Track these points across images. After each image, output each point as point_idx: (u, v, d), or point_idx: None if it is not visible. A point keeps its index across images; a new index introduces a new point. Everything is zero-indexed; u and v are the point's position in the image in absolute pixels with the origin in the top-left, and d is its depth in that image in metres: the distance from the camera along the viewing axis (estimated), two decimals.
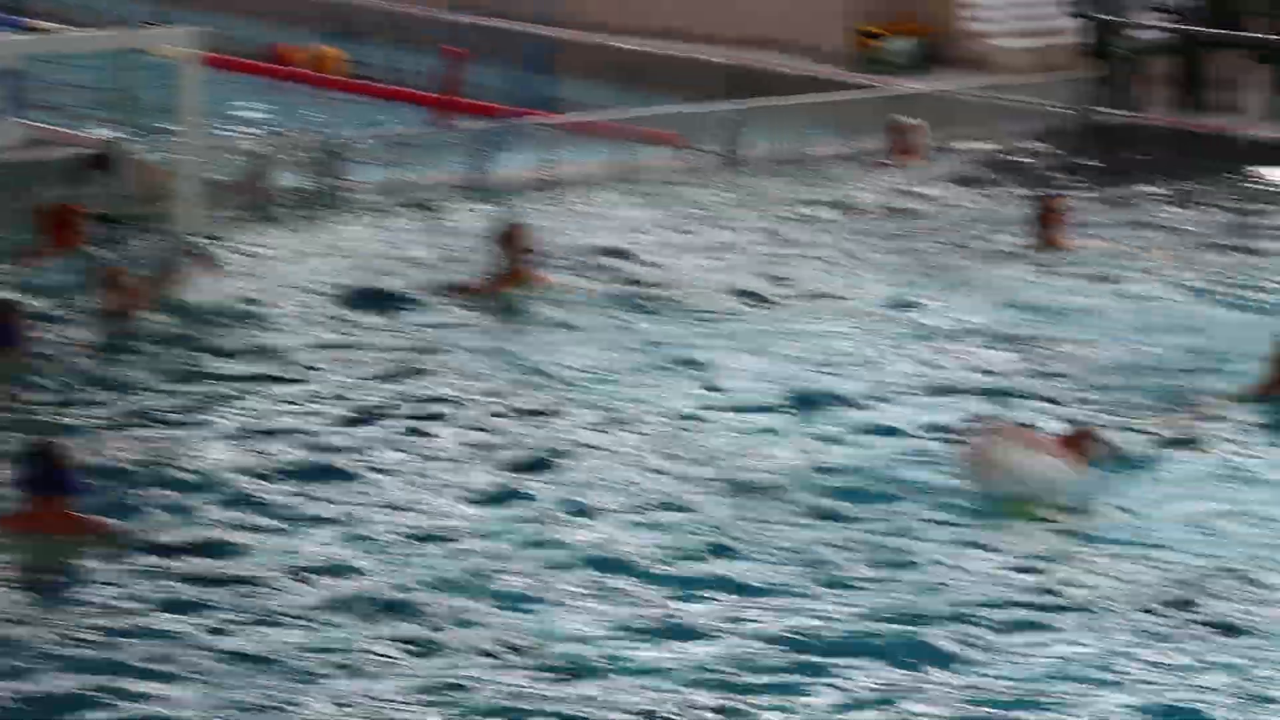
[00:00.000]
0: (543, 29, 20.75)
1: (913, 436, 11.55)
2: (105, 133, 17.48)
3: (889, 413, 12.02)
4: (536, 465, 11.17)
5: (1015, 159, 19.26)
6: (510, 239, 14.70)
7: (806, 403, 12.17)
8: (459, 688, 8.49)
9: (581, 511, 10.46)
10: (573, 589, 9.49)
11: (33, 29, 18.73)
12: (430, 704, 8.37)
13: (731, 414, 12.02)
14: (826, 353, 13.32)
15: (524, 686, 8.49)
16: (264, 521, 10.30)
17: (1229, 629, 9.06)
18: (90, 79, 18.42)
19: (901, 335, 13.79)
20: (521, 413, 12.07)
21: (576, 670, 8.64)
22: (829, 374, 12.85)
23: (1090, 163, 19.22)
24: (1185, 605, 9.24)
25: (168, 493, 10.61)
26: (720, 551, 9.96)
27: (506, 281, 14.55)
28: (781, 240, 16.40)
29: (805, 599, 9.38)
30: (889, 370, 12.95)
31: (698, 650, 8.84)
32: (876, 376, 12.79)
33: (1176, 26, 21.04)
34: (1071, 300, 14.54)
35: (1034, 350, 13.34)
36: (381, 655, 8.78)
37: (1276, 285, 14.93)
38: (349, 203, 17.32)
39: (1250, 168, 18.88)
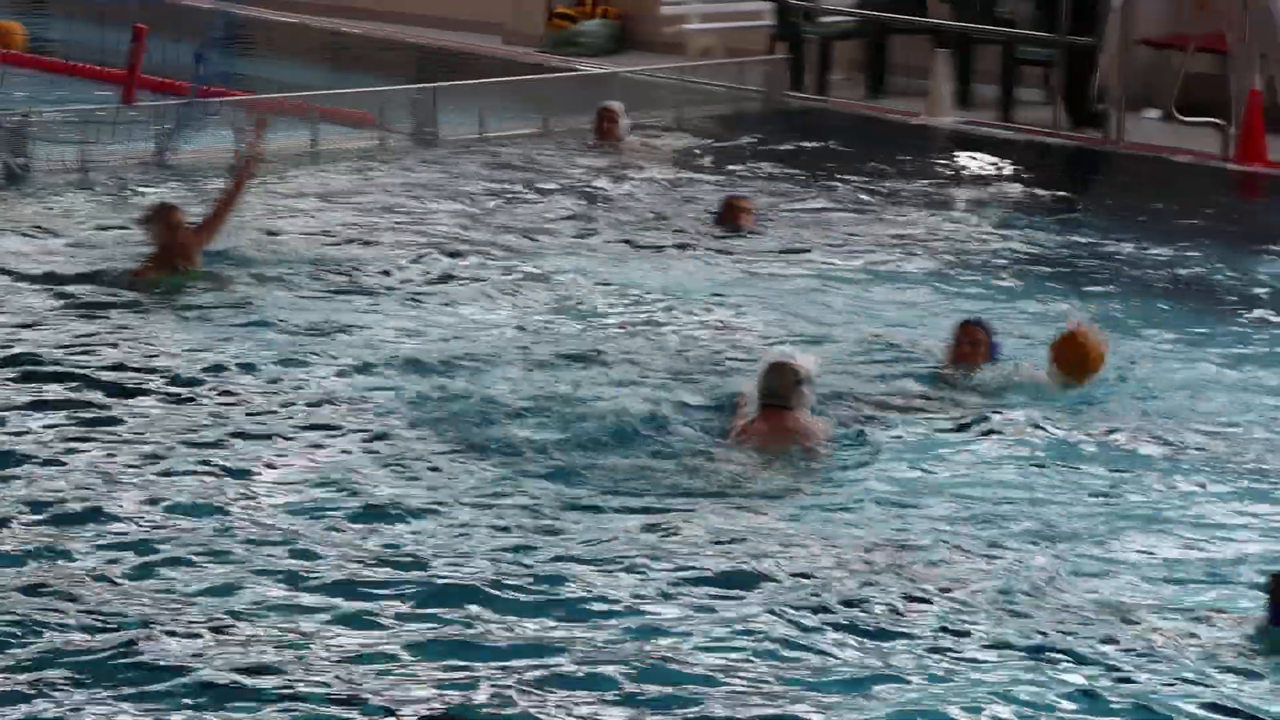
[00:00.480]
0: (236, 7, 20.36)
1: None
2: None
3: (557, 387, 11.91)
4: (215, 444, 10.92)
5: (705, 141, 19.35)
6: (162, 220, 14.17)
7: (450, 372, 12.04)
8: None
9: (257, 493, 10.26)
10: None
11: None
12: None
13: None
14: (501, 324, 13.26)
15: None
16: None
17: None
18: None
19: (592, 309, 13.74)
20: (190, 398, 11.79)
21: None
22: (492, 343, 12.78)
23: (777, 146, 19.35)
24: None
25: None
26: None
27: (161, 264, 14.06)
28: (470, 219, 16.27)
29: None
30: (567, 343, 12.87)
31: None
32: (550, 349, 12.68)
33: (862, 12, 21.27)
34: (750, 282, 14.56)
35: (711, 330, 13.31)
36: None
37: (942, 261, 15.10)
38: (32, 181, 16.93)
39: (931, 151, 19.16)
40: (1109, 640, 8.59)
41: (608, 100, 19.19)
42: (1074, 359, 11.79)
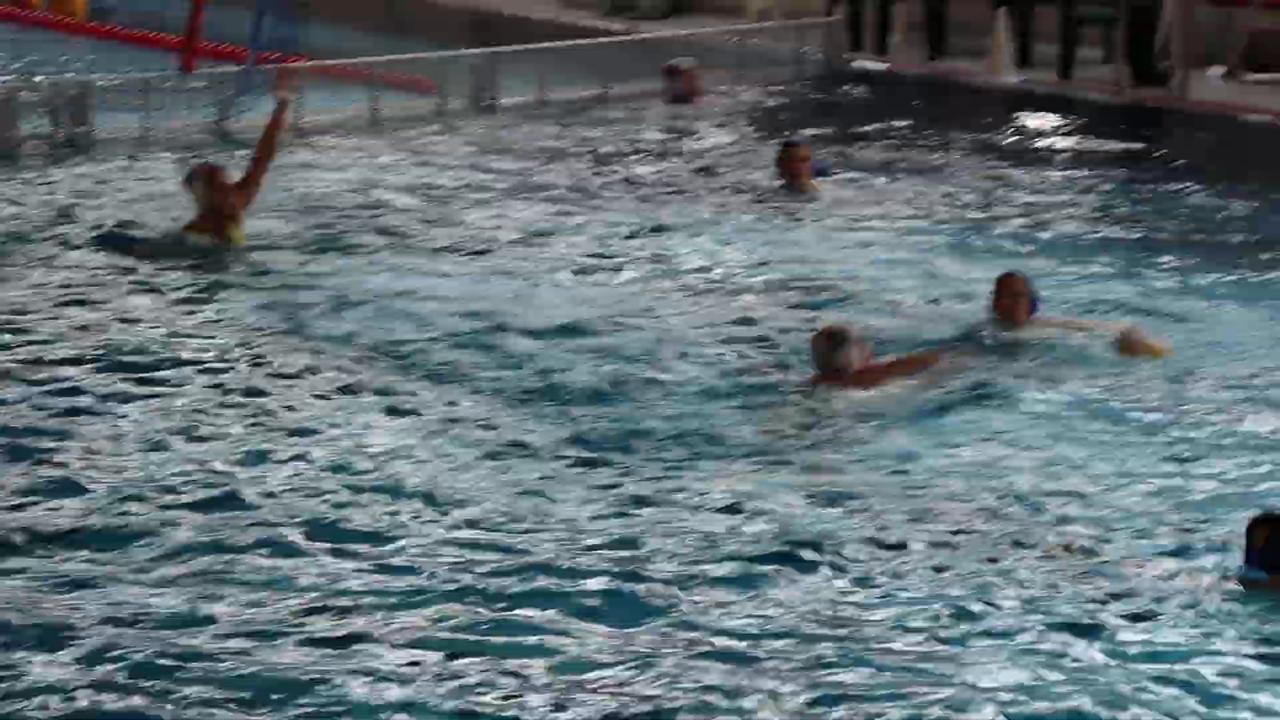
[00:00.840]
0: None
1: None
2: None
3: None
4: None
5: (767, 103, 19.31)
6: (207, 179, 14.07)
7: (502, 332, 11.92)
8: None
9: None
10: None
11: None
12: None
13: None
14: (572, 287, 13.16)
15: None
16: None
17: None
18: None
19: (654, 273, 13.63)
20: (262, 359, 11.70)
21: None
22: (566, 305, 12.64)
23: (838, 107, 19.30)
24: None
25: None
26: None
27: (207, 223, 13.96)
28: (533, 184, 16.22)
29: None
30: (635, 305, 12.74)
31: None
32: (618, 311, 12.55)
33: None
34: (815, 240, 14.45)
35: (780, 290, 13.20)
36: None
37: (1009, 223, 14.95)
38: (95, 147, 16.93)
39: (992, 111, 19.06)
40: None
41: (681, 59, 19.20)
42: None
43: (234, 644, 8.03)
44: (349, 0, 22.66)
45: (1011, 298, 11.91)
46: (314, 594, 8.46)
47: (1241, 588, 8.53)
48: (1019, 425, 10.56)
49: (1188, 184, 16.38)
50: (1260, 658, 8.02)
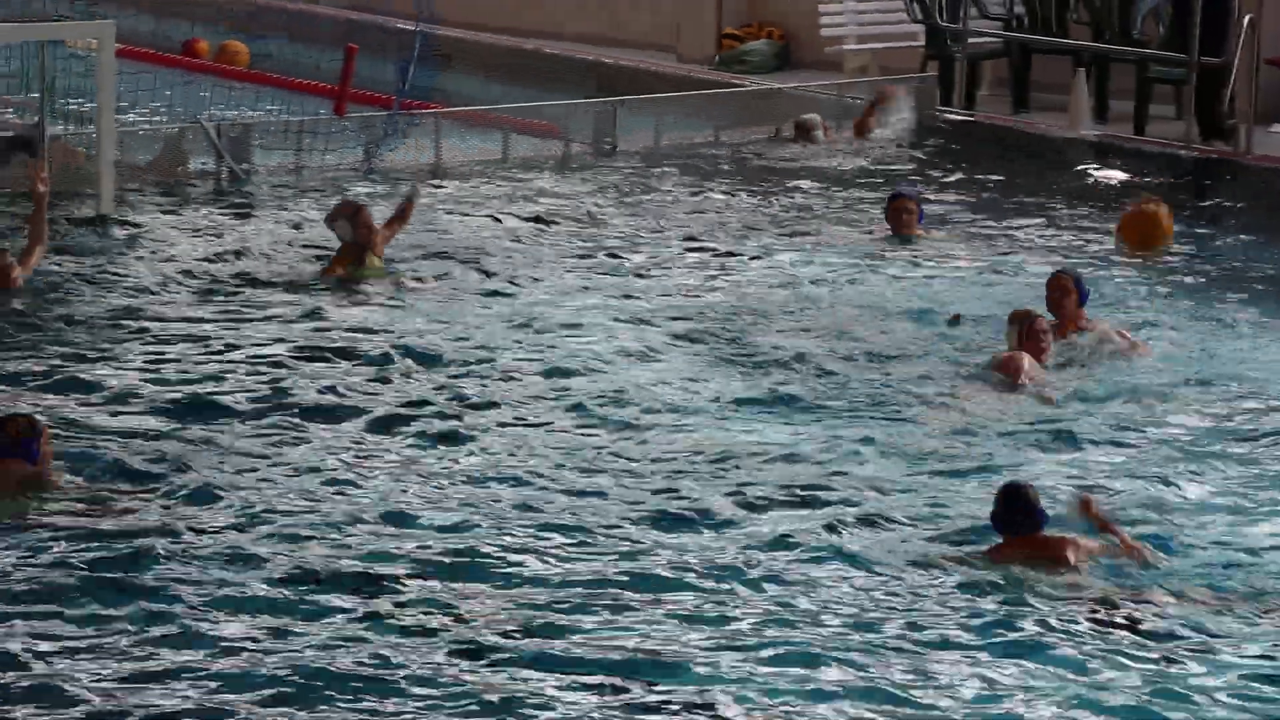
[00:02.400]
0: (433, 27, 21.10)
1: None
2: (25, 117, 17.78)
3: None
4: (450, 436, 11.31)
5: (863, 151, 19.83)
6: (351, 217, 14.67)
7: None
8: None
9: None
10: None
11: None
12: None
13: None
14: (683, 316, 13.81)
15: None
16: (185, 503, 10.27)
17: None
18: (11, 68, 18.66)
19: (782, 299, 14.26)
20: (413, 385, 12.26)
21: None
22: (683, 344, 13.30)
23: (930, 156, 19.82)
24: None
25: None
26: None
27: (348, 257, 14.57)
28: (649, 224, 16.80)
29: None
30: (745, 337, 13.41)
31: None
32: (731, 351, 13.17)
33: (1007, 34, 21.76)
34: (918, 281, 14.91)
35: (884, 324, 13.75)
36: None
37: (1083, 265, 15.30)
38: (252, 185, 17.61)
39: (1071, 162, 19.59)
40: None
41: (806, 114, 19.90)
42: (1142, 229, 12.03)
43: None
44: (484, 52, 23.38)
45: (1061, 292, 12.83)
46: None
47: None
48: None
49: (1249, 234, 16.80)
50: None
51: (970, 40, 21.50)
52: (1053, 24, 21.50)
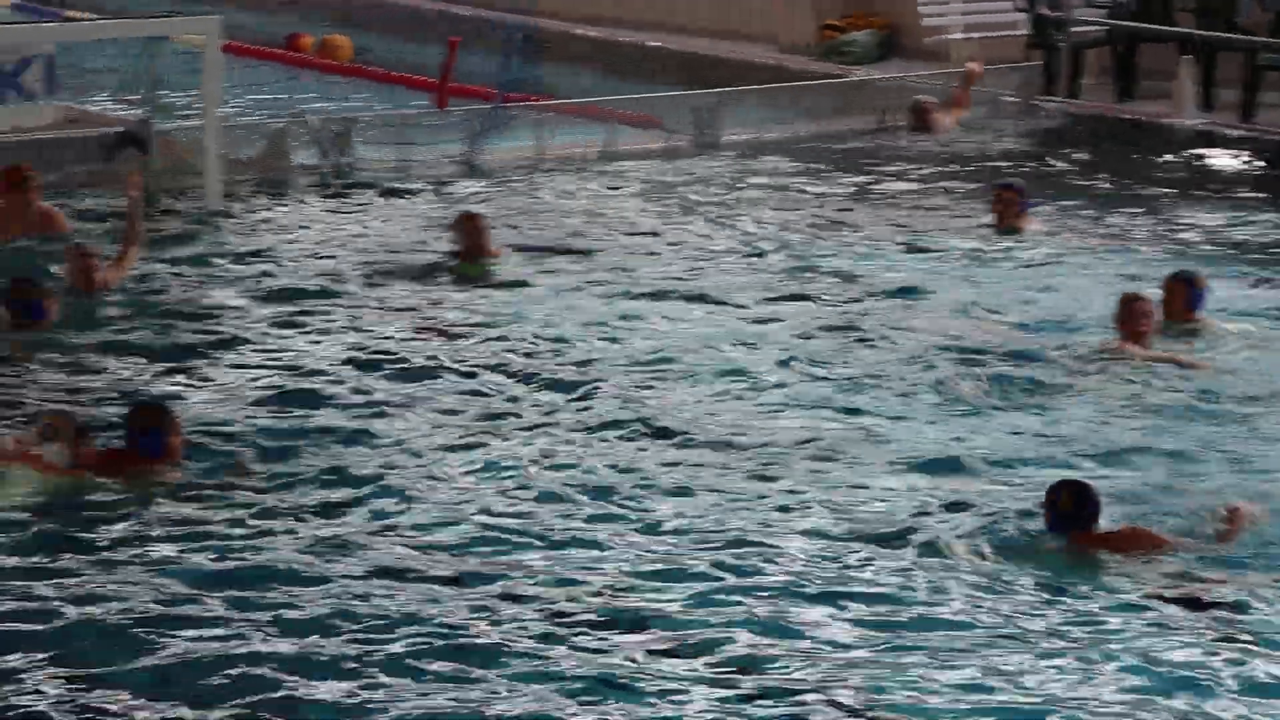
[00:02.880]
0: (533, 21, 21.13)
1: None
2: (135, 113, 17.88)
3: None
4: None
5: (968, 142, 19.69)
6: (469, 225, 14.81)
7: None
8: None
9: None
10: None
11: (67, 17, 19.03)
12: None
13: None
14: (790, 314, 13.71)
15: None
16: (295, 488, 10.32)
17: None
18: (121, 63, 18.78)
19: (886, 292, 14.17)
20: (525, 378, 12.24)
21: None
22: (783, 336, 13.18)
23: (1034, 146, 19.66)
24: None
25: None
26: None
27: (466, 261, 14.65)
28: (752, 215, 16.75)
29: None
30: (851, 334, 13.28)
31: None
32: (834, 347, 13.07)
33: (1112, 22, 21.52)
34: (1024, 275, 14.77)
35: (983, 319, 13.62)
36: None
37: (1188, 254, 15.20)
38: (356, 179, 17.64)
39: (1177, 151, 19.38)
40: None
41: (920, 96, 19.81)
42: None
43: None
44: (584, 44, 23.36)
45: (1167, 294, 12.86)
46: None
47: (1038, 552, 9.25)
48: None
49: None
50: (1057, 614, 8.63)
51: (1074, 29, 21.27)
52: (1158, 11, 21.24)
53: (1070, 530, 9.47)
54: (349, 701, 8.04)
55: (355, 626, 8.63)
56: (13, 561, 9.26)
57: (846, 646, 8.55)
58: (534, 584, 9.08)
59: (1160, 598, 8.94)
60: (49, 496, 9.99)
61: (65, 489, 10.03)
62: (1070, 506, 9.47)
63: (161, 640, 8.47)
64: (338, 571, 9.19)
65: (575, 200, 17.16)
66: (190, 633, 8.52)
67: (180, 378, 12.10)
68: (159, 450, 10.15)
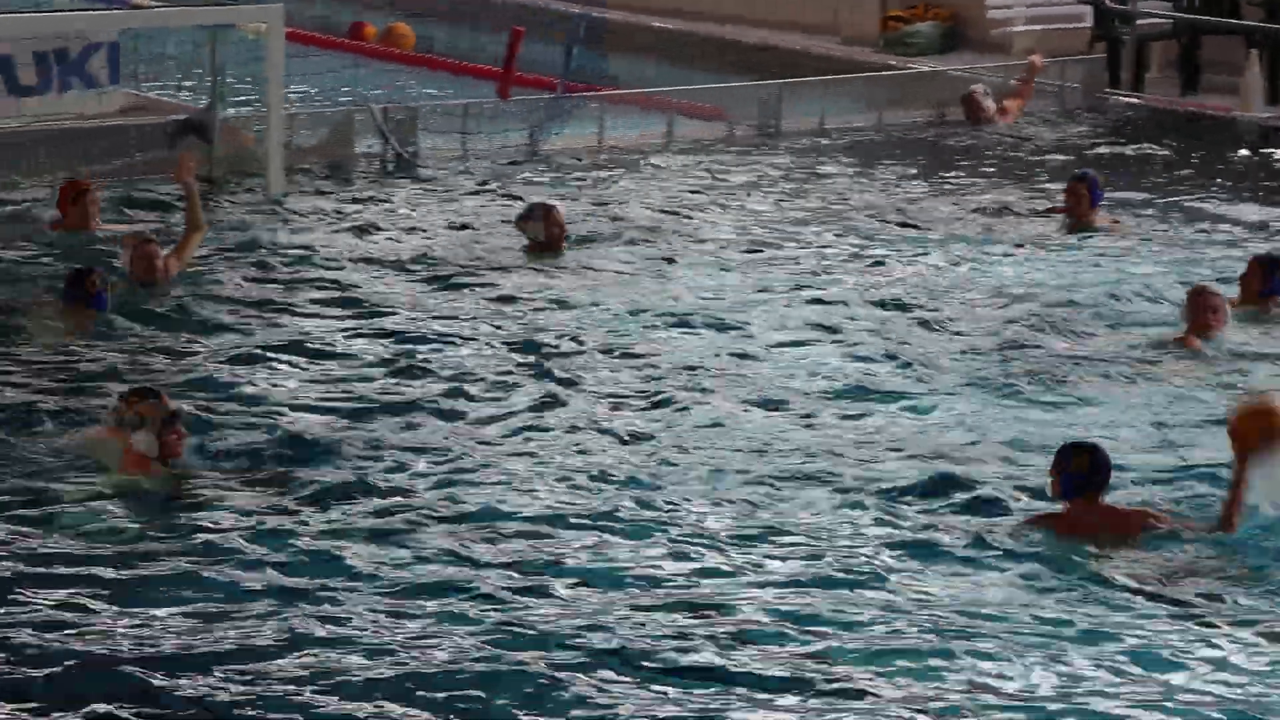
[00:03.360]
0: (592, 9, 21.07)
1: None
2: (198, 101, 17.88)
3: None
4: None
5: (1032, 134, 19.56)
6: (544, 218, 14.80)
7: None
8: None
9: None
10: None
11: (133, 5, 19.05)
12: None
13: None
14: (848, 302, 13.64)
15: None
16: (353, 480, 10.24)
17: None
18: (184, 51, 18.81)
19: (952, 285, 14.09)
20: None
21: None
22: (845, 325, 13.13)
23: (1099, 139, 19.50)
24: None
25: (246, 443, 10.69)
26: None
27: (538, 251, 14.70)
28: (820, 208, 16.65)
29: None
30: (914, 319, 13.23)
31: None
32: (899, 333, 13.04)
33: (1177, 14, 21.33)
34: (1092, 268, 14.65)
35: (1047, 313, 13.48)
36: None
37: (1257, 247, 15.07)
38: (418, 167, 17.63)
39: (1244, 144, 19.19)
40: None
41: (972, 85, 19.68)
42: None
43: None
44: (646, 34, 23.27)
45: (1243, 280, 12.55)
46: None
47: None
48: None
49: None
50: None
51: (1139, 21, 21.08)
52: (1224, 4, 21.02)
53: (1081, 494, 9.38)
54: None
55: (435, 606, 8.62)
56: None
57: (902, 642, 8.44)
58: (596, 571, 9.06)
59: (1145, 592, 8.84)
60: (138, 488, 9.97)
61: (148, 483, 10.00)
62: (1085, 470, 9.39)
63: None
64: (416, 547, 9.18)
65: (637, 190, 17.10)
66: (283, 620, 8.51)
67: (242, 367, 12.06)
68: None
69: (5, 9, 17.62)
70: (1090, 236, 15.52)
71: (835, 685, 7.96)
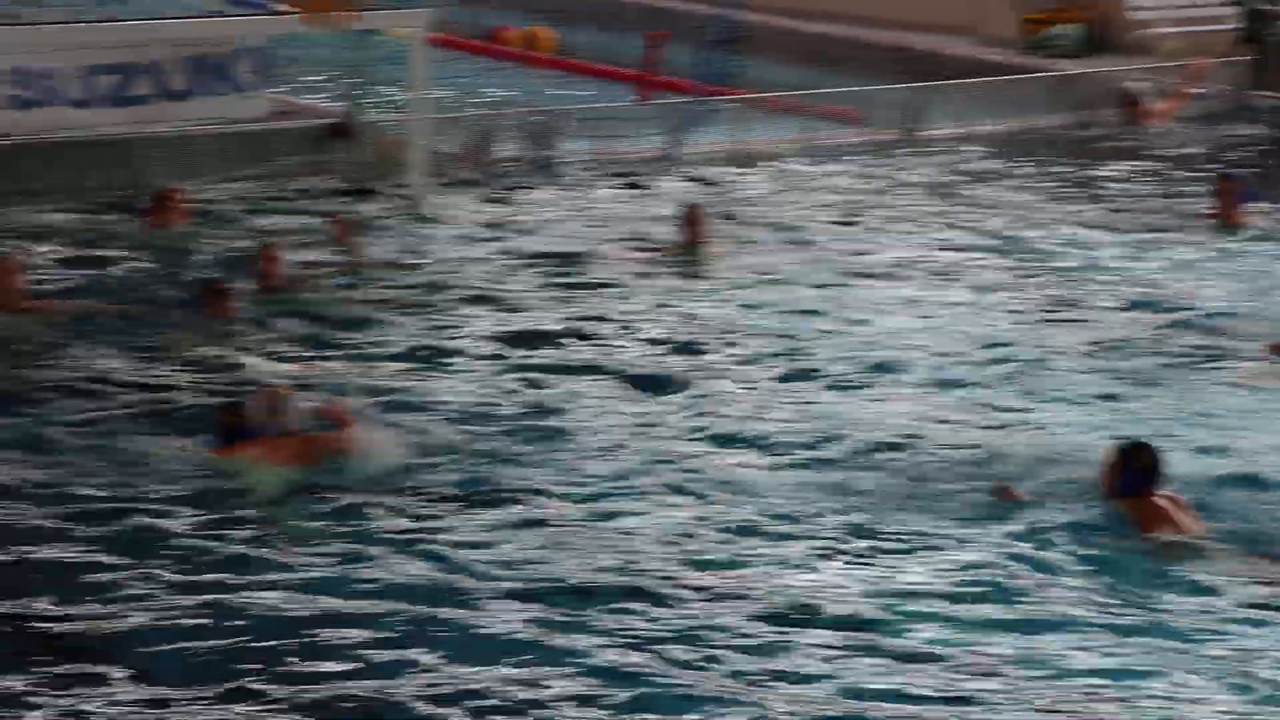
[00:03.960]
0: (731, 13, 21.03)
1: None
2: (343, 105, 18.00)
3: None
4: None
5: (1179, 136, 19.34)
6: (685, 220, 14.86)
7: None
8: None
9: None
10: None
11: (277, 10, 19.20)
12: None
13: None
14: (988, 309, 13.54)
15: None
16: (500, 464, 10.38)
17: None
18: (330, 57, 18.94)
19: (1100, 289, 13.96)
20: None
21: None
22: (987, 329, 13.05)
23: (1246, 141, 19.25)
24: None
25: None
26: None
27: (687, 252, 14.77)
28: (960, 210, 16.55)
29: None
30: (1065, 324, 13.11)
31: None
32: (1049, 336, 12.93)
33: None
34: (1241, 269, 14.53)
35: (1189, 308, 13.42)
36: None
37: None
38: (560, 171, 17.66)
39: None
40: None
41: (1129, 84, 19.51)
42: None
43: None
44: (787, 38, 23.19)
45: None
46: None
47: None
48: None
49: None
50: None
51: None
52: None
53: (1140, 490, 9.41)
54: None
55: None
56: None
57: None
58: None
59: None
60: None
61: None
62: (1148, 466, 9.43)
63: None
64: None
65: (776, 193, 17.03)
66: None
67: (389, 370, 12.10)
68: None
69: (154, 15, 17.84)
70: (1238, 236, 15.32)
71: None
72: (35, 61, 16.36)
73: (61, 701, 7.85)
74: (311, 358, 12.25)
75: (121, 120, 16.42)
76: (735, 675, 8.13)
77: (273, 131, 17.11)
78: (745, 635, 8.46)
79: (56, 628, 8.49)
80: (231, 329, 12.68)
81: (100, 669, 8.10)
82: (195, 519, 9.61)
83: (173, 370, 11.91)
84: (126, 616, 8.54)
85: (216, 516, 9.64)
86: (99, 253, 14.42)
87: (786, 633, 8.48)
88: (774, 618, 8.62)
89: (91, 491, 9.89)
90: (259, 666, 8.15)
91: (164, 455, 10.31)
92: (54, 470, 10.16)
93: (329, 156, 16.73)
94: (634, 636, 8.42)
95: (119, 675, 8.06)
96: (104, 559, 9.13)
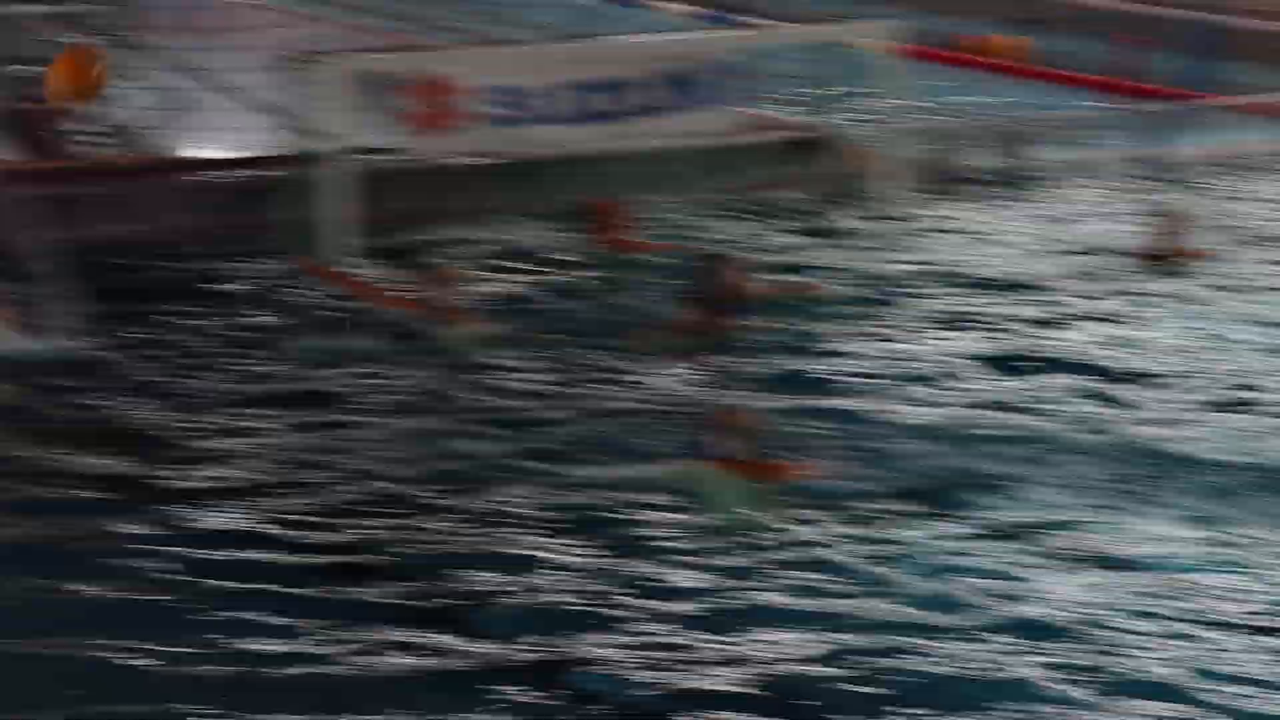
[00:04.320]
0: (1211, 16, 20.36)
1: None
2: (810, 119, 17.93)
3: None
4: None
5: None
6: (1166, 229, 14.46)
7: None
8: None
9: None
10: None
11: (744, 25, 19.29)
12: None
13: None
14: None
15: None
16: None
17: None
18: (790, 69, 18.90)
19: None
20: None
21: None
22: None
23: None
24: None
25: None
26: None
27: (1185, 255, 14.39)
28: None
29: None
30: None
31: None
32: None
33: None
34: None
35: None
36: None
37: None
38: (1031, 179, 17.32)
39: None
40: None
41: None
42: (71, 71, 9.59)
43: None
44: (1274, 39, 22.33)
45: None
46: None
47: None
48: None
49: None
50: None
51: None
52: None
53: None
54: None
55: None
56: None
57: None
58: None
59: None
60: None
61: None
62: None
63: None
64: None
65: (1263, 200, 16.41)
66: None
67: (845, 388, 11.92)
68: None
69: (622, 33, 18.06)
70: None
71: None
72: (515, 80, 16.64)
73: None
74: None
75: (593, 137, 16.60)
76: None
77: (741, 145, 17.13)
78: None
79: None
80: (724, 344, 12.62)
81: None
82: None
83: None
84: None
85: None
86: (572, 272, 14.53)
87: None
88: None
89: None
90: None
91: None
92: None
93: (789, 170, 16.67)
94: None
95: None
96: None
